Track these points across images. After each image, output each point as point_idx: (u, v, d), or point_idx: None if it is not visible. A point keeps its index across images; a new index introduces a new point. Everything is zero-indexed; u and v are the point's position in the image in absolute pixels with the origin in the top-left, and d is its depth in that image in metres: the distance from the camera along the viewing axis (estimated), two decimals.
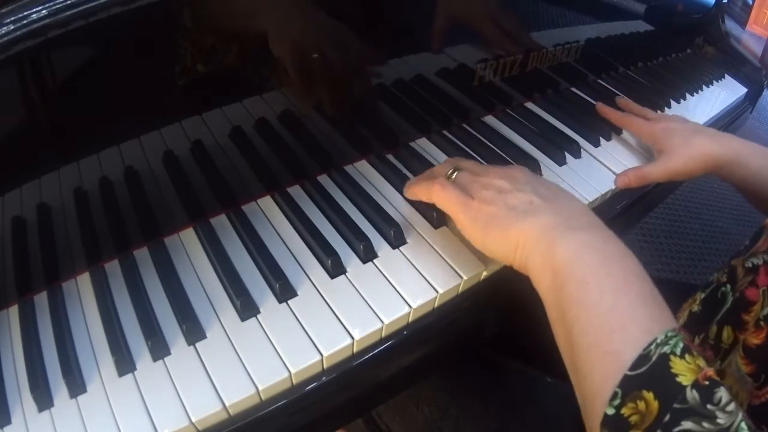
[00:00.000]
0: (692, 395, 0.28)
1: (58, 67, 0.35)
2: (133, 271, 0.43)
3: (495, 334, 0.54)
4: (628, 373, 0.29)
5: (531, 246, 0.37)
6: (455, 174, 0.44)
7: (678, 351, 0.29)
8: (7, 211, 0.38)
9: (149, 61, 0.40)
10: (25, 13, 0.31)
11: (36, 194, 0.38)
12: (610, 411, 0.29)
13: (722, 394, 0.28)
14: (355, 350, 0.40)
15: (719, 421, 0.27)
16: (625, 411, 0.29)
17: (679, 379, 0.28)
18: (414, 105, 0.58)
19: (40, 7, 0.31)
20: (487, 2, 0.57)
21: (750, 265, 0.42)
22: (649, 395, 0.28)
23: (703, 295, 0.49)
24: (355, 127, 0.54)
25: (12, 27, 0.31)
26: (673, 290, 0.34)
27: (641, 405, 0.28)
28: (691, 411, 0.27)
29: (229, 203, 0.48)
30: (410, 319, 0.42)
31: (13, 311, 0.41)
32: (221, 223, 0.47)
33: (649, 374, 0.29)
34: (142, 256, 0.44)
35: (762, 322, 0.35)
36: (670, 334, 0.30)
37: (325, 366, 0.39)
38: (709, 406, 0.27)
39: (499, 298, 0.48)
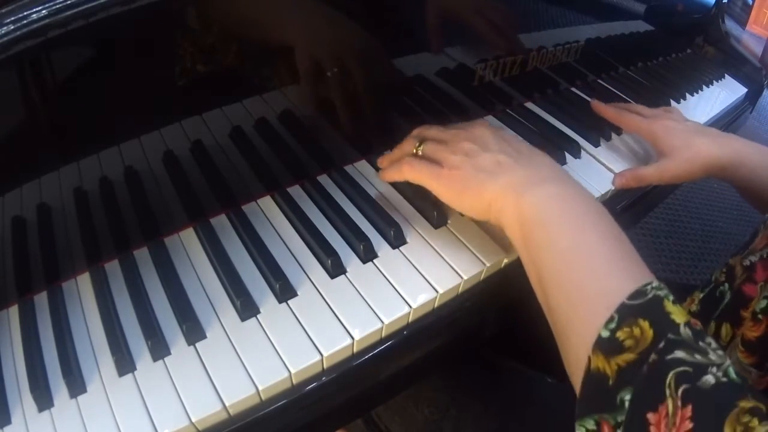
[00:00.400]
0: (686, 331, 0.29)
1: (58, 67, 0.35)
2: (133, 271, 0.43)
3: (495, 334, 0.54)
4: (626, 301, 0.31)
5: (502, 203, 0.39)
6: (421, 147, 0.45)
7: (670, 299, 0.31)
8: (7, 211, 0.38)
9: (149, 61, 0.40)
10: (25, 13, 0.31)
11: (36, 194, 0.38)
12: (605, 333, 0.31)
13: (711, 340, 0.29)
14: (355, 350, 0.40)
15: (711, 357, 0.28)
16: (620, 335, 0.30)
17: (673, 317, 0.30)
18: (414, 105, 0.58)
19: (40, 7, 0.31)
20: (485, 6, 0.57)
21: (748, 263, 0.42)
22: (645, 324, 0.30)
23: (701, 295, 0.49)
24: (356, 127, 0.54)
25: (12, 27, 0.31)
26: (673, 290, 0.34)
27: (636, 331, 0.30)
28: (685, 343, 0.28)
29: (229, 203, 0.48)
30: (410, 319, 0.42)
31: (13, 311, 0.41)
32: (221, 223, 0.47)
33: (645, 306, 0.30)
34: (142, 256, 0.44)
35: (760, 315, 0.35)
36: (662, 285, 0.32)
37: (325, 366, 0.39)
38: (701, 344, 0.28)
39: (500, 297, 0.48)
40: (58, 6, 0.32)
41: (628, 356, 0.29)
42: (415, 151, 0.45)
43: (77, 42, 0.35)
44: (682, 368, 0.27)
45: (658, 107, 0.65)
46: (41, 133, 0.37)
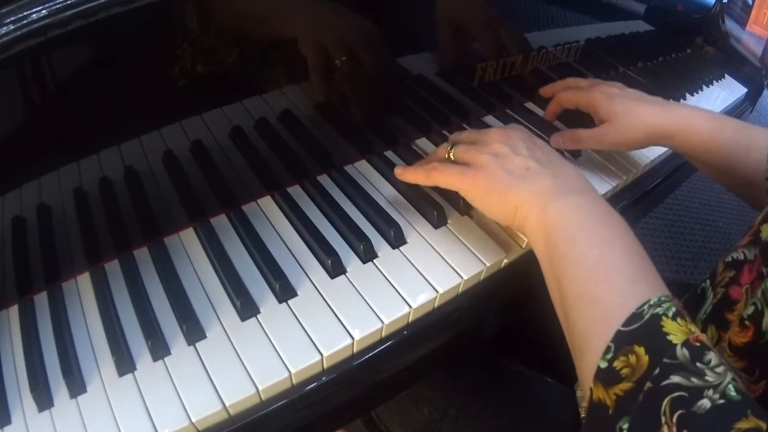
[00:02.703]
0: (682, 353, 0.28)
1: (58, 67, 0.35)
2: (133, 271, 0.43)
3: (495, 334, 0.54)
4: (621, 328, 0.31)
5: (527, 209, 0.39)
6: (452, 149, 0.44)
7: (670, 314, 0.30)
8: (7, 211, 0.38)
9: (149, 61, 0.40)
10: (25, 13, 0.31)
11: (36, 194, 0.38)
12: (603, 364, 0.31)
13: (712, 356, 0.28)
14: (355, 350, 0.40)
15: (708, 378, 0.27)
16: (617, 364, 0.30)
17: (670, 337, 0.29)
18: (414, 105, 0.58)
19: (40, 7, 0.31)
20: (485, 9, 0.57)
21: (730, 259, 0.42)
22: (640, 350, 0.29)
23: (687, 295, 0.49)
24: (356, 127, 0.54)
25: (12, 27, 0.31)
26: (673, 290, 0.34)
27: (632, 359, 0.29)
28: (681, 366, 0.28)
29: (229, 203, 0.48)
30: (410, 319, 0.42)
31: (13, 311, 0.41)
32: (221, 223, 0.47)
33: (640, 330, 0.30)
34: (142, 256, 0.44)
35: (747, 322, 0.35)
36: (663, 299, 0.31)
37: (325, 366, 0.39)
38: (698, 364, 0.28)
39: (499, 298, 0.48)
40: (58, 6, 0.32)
41: (625, 385, 0.29)
42: (447, 155, 0.45)
43: (77, 42, 0.35)
44: (677, 393, 0.27)
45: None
46: (41, 132, 0.37)
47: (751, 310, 0.35)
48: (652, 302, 0.31)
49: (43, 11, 0.32)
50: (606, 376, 0.30)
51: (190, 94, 0.42)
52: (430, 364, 0.47)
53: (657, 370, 0.28)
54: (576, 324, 0.34)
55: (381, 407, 0.60)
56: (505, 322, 0.54)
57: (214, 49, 0.41)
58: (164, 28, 0.39)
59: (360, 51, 0.47)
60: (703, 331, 0.42)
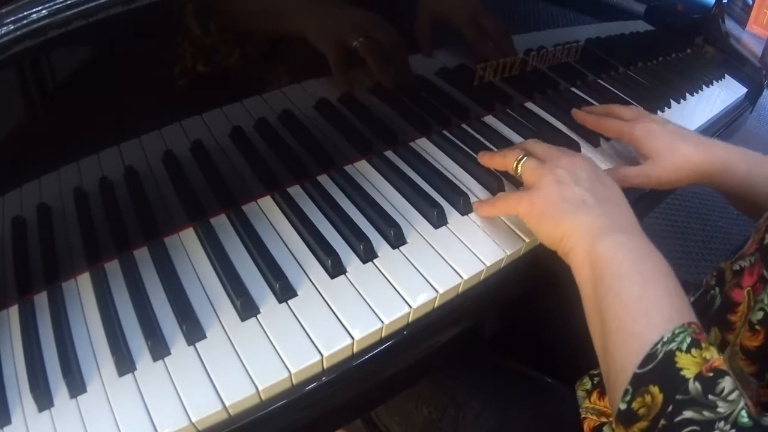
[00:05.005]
0: (694, 387, 0.29)
1: (58, 67, 0.35)
2: (133, 271, 0.43)
3: (495, 334, 0.54)
4: (637, 371, 0.32)
5: (575, 240, 0.41)
6: (523, 160, 0.47)
7: (684, 346, 0.31)
8: (7, 211, 0.38)
9: (149, 61, 0.40)
10: (25, 13, 0.31)
11: (36, 194, 0.38)
12: (623, 406, 0.32)
13: (725, 384, 0.29)
14: (355, 350, 0.40)
15: (719, 410, 0.28)
16: (634, 405, 0.31)
17: (683, 372, 0.30)
18: (414, 105, 0.58)
19: (40, 7, 0.31)
20: (469, 4, 0.57)
21: (737, 267, 0.43)
22: (655, 389, 0.31)
23: (692, 299, 0.49)
24: (355, 127, 0.54)
25: (12, 27, 0.31)
26: None
27: (648, 398, 0.31)
28: (693, 401, 0.29)
29: (229, 203, 0.48)
30: (410, 319, 0.42)
31: (13, 311, 0.41)
32: (221, 223, 0.47)
33: (654, 370, 0.31)
34: (142, 256, 0.44)
35: (757, 326, 0.36)
36: (677, 331, 0.32)
37: (325, 366, 0.39)
38: (710, 396, 0.29)
39: (500, 297, 0.48)
40: (58, 6, 0.32)
41: (642, 424, 0.31)
42: (515, 164, 0.47)
43: (77, 42, 0.35)
44: (689, 428, 0.29)
45: (658, 108, 0.64)
46: (41, 133, 0.37)
47: (760, 315, 0.36)
48: (665, 339, 0.32)
49: (43, 11, 0.32)
50: (625, 417, 0.32)
51: (190, 93, 0.42)
52: (430, 364, 0.47)
53: (670, 407, 0.30)
54: (614, 356, 0.35)
55: (381, 407, 0.59)
56: (506, 322, 0.54)
57: (216, 48, 0.41)
58: (165, 28, 0.39)
59: (375, 31, 0.49)
60: (707, 332, 0.43)
